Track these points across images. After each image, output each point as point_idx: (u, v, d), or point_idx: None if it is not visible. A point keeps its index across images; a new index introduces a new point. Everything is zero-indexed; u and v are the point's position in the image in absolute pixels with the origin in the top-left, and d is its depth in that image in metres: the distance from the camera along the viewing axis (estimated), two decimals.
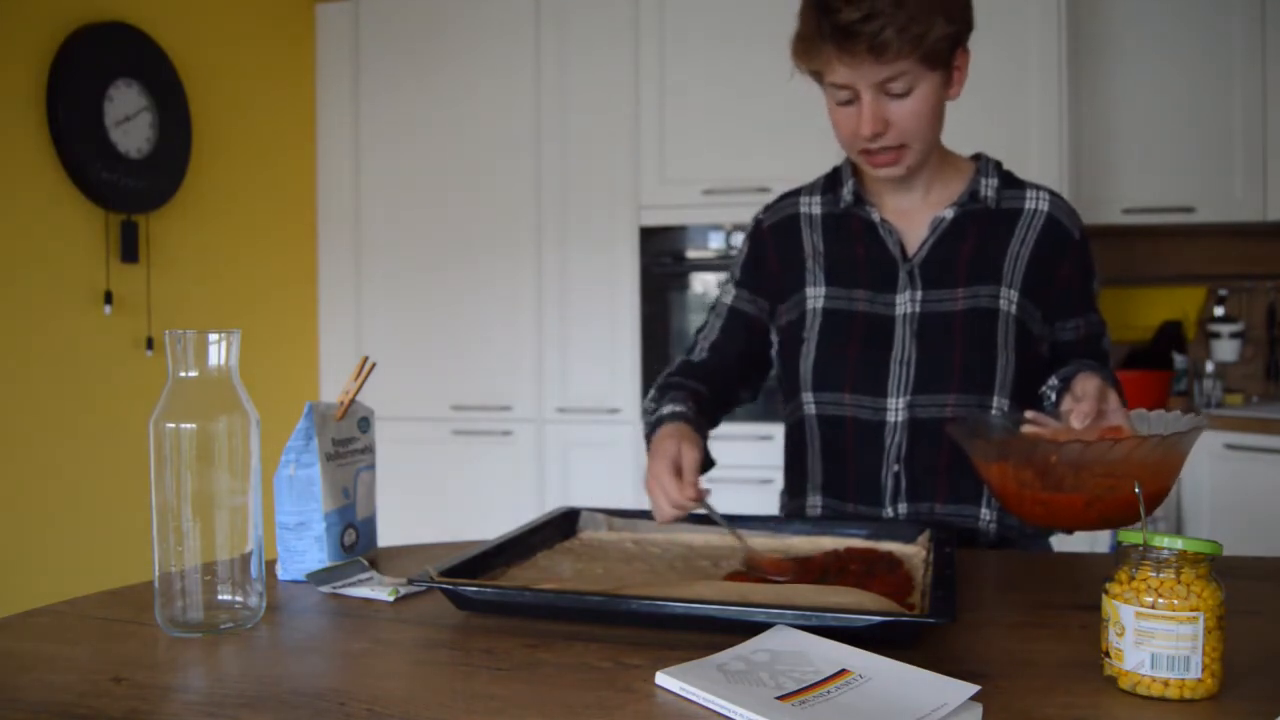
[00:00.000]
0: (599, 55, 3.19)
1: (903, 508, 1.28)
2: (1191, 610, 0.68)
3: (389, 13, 3.36)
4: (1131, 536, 0.72)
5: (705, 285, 3.18)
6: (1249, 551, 1.25)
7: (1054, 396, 1.23)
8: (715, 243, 3.12)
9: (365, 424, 1.15)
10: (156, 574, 0.87)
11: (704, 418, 1.31)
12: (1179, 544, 0.69)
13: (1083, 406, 1.06)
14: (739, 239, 3.06)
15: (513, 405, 3.28)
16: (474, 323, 3.31)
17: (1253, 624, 0.85)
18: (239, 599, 0.89)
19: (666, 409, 1.25)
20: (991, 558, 1.18)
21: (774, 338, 1.40)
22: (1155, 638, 0.69)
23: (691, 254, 3.15)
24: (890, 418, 1.28)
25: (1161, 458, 0.97)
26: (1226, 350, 3.30)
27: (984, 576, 1.06)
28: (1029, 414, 1.11)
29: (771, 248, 1.39)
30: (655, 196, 3.14)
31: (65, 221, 2.48)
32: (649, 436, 1.25)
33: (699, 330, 1.45)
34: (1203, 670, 0.68)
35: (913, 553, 1.08)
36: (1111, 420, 1.06)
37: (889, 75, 1.17)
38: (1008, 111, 2.86)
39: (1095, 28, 3.11)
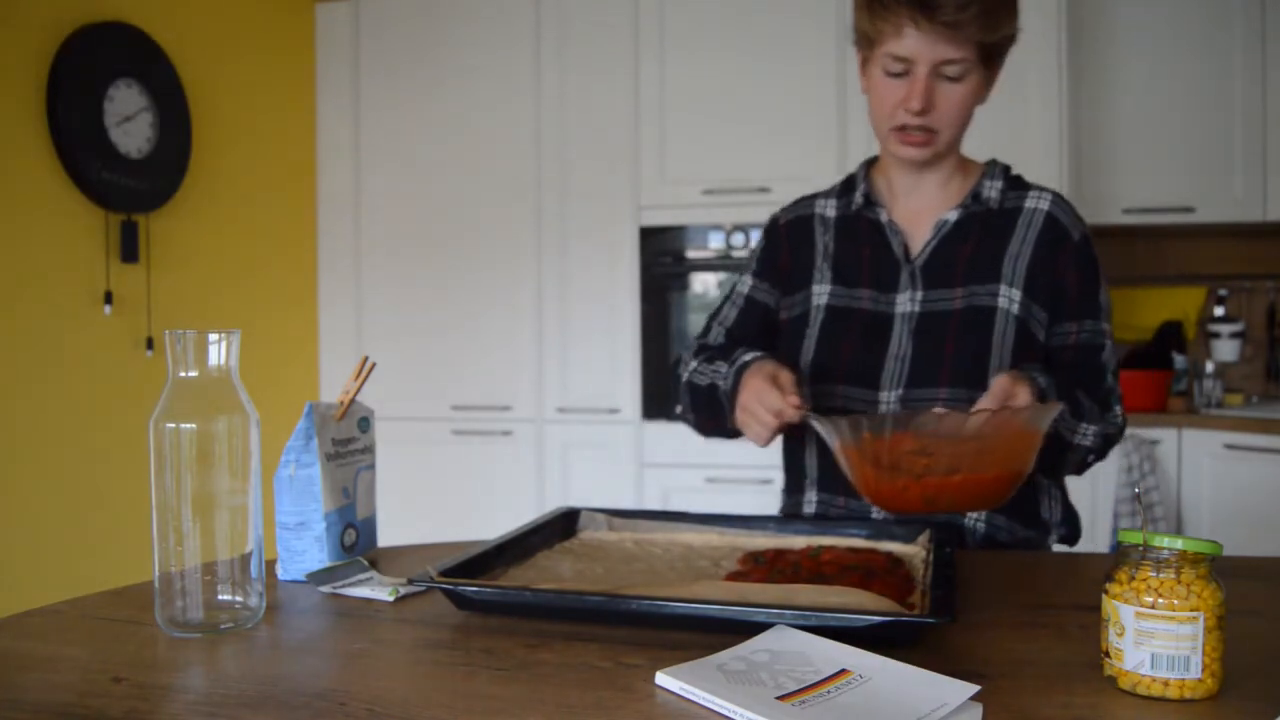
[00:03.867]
0: (599, 55, 3.19)
1: None
2: (1191, 610, 0.68)
3: (389, 13, 3.36)
4: (1132, 536, 0.72)
5: (705, 285, 3.18)
6: (1249, 551, 1.25)
7: None
8: (715, 243, 3.12)
9: (365, 424, 1.15)
10: (156, 574, 0.87)
11: None
12: (1179, 544, 0.69)
13: (982, 403, 1.06)
14: (739, 239, 3.06)
15: (513, 405, 3.28)
16: (474, 323, 3.31)
17: (1253, 624, 0.85)
18: (239, 599, 0.89)
19: (748, 355, 1.25)
20: (992, 558, 1.18)
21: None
22: (1155, 638, 0.69)
23: (691, 254, 3.15)
24: (883, 410, 1.28)
25: (975, 438, 0.94)
26: (1226, 350, 3.30)
27: (984, 576, 1.06)
28: (937, 410, 1.10)
29: (785, 244, 1.42)
30: (655, 196, 3.14)
31: (65, 221, 2.48)
32: (729, 392, 1.25)
33: (712, 317, 1.46)
34: (1203, 670, 0.68)
35: (913, 553, 1.08)
36: None
37: (951, 57, 1.19)
38: (1008, 111, 2.86)
39: (1095, 28, 3.11)
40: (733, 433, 1.31)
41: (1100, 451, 1.28)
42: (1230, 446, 2.79)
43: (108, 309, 2.57)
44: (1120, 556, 0.72)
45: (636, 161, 3.16)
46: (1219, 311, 3.36)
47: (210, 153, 2.95)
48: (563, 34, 3.21)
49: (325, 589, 1.00)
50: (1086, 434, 1.23)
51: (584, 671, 0.76)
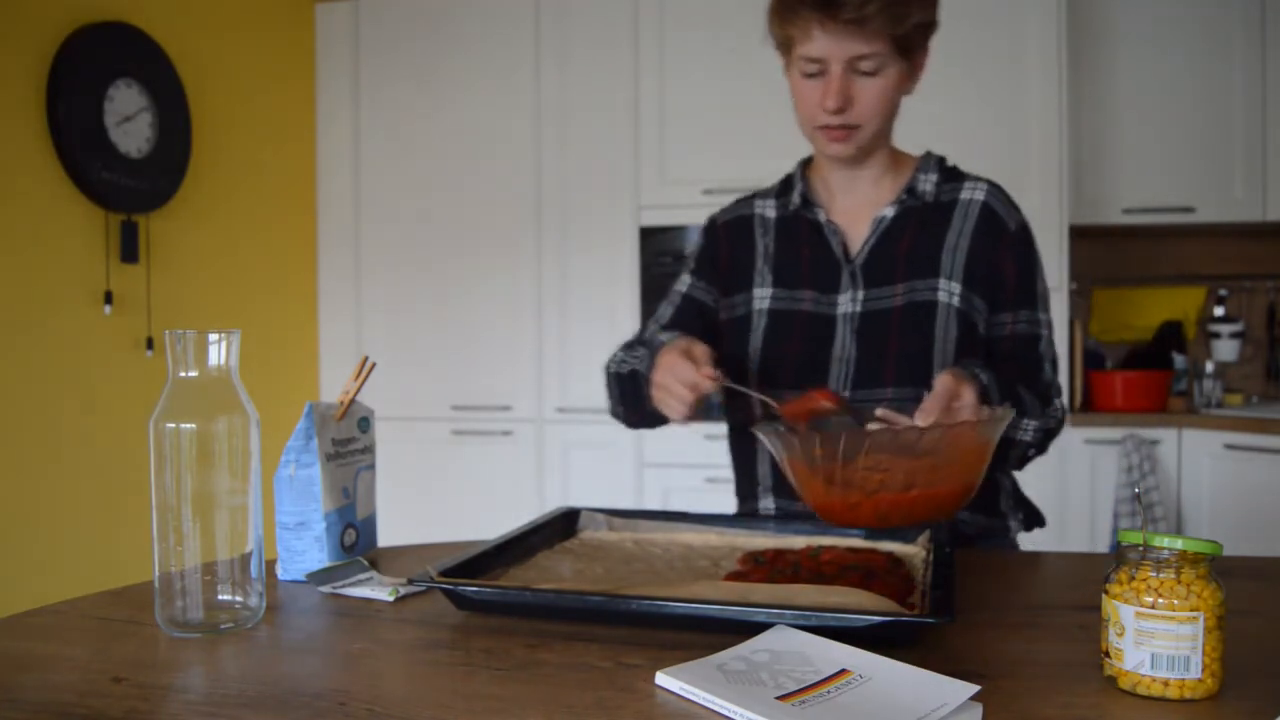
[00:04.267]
0: (599, 54, 3.19)
1: None
2: (1191, 610, 0.68)
3: (389, 13, 3.36)
4: (1132, 536, 0.72)
5: None
6: (1249, 551, 1.25)
7: None
8: None
9: (365, 424, 1.15)
10: (156, 574, 0.87)
11: None
12: (1179, 544, 0.69)
13: (926, 404, 1.02)
14: None
15: (513, 405, 3.28)
16: (474, 323, 3.31)
17: (1253, 624, 0.85)
18: (239, 599, 0.89)
19: (664, 337, 1.24)
20: (991, 558, 1.18)
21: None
22: (1155, 638, 0.69)
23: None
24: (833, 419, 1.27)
25: (930, 452, 0.92)
26: (1226, 350, 3.30)
27: (984, 576, 1.06)
28: (879, 411, 1.08)
29: (724, 245, 1.40)
30: (655, 196, 3.14)
31: (65, 221, 2.48)
32: (646, 374, 1.22)
33: (651, 318, 1.44)
34: (1203, 670, 0.68)
35: (913, 553, 1.08)
36: (960, 419, 1.02)
37: (863, 53, 1.18)
38: (1008, 111, 2.86)
39: (1095, 28, 3.11)
40: (657, 419, 1.27)
41: (1041, 446, 1.27)
42: (1230, 446, 2.79)
43: (108, 309, 2.57)
44: (1120, 556, 0.72)
45: (636, 161, 3.16)
46: (1219, 311, 3.36)
47: (210, 153, 2.95)
48: (563, 34, 3.21)
49: (325, 589, 1.00)
50: (1028, 430, 1.23)
51: (584, 671, 0.76)
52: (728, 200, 1.46)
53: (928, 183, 1.31)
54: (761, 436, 1.07)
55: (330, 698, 0.71)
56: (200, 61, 2.91)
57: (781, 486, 1.33)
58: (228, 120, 3.04)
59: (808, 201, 1.35)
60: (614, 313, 3.19)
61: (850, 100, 1.21)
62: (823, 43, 1.18)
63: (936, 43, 1.27)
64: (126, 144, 2.62)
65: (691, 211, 3.10)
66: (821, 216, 1.33)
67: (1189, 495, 2.87)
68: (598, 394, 3.18)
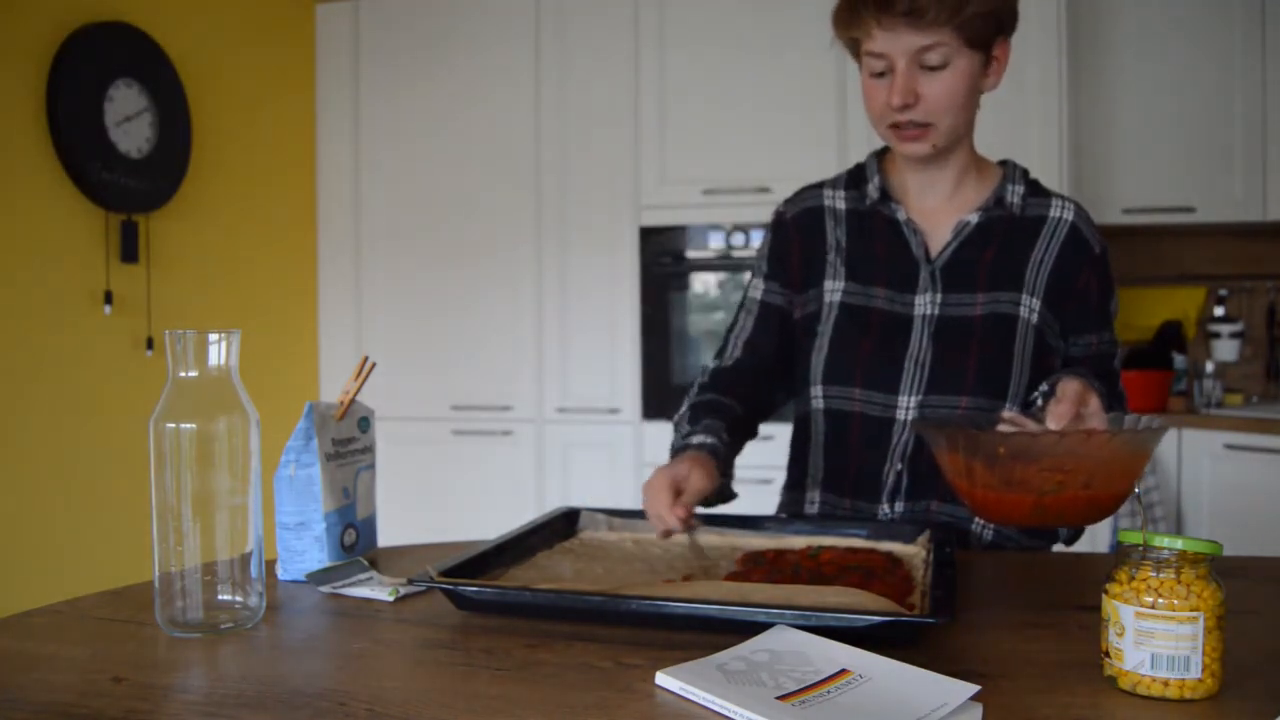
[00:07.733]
0: (599, 55, 3.19)
1: (900, 506, 1.27)
2: (1191, 610, 0.68)
3: (389, 13, 3.36)
4: (1132, 536, 0.72)
5: (705, 285, 3.18)
6: (1249, 551, 1.25)
7: (1041, 401, 1.21)
8: (715, 243, 3.12)
9: (365, 424, 1.15)
10: (156, 574, 0.87)
11: (736, 443, 1.28)
12: (1179, 544, 0.69)
13: (1059, 408, 1.03)
14: (739, 239, 3.06)
15: (513, 405, 3.28)
16: (474, 323, 3.31)
17: (1253, 624, 0.85)
18: (239, 599, 0.89)
19: (695, 439, 1.23)
20: (991, 558, 1.18)
21: None
22: (1155, 638, 0.69)
23: (691, 254, 3.15)
24: (900, 415, 1.27)
25: (1113, 456, 0.94)
26: (1226, 350, 3.30)
27: (984, 576, 1.06)
28: (1006, 414, 1.09)
29: (794, 239, 1.37)
30: (655, 196, 3.14)
31: (65, 221, 2.48)
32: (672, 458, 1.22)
33: (729, 330, 1.41)
34: (1203, 670, 0.68)
35: (912, 553, 1.08)
36: (1090, 423, 1.03)
37: (926, 45, 1.17)
38: (1008, 111, 2.86)
39: (1095, 28, 3.11)
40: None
41: None
42: (1230, 446, 2.79)
43: (108, 309, 2.57)
44: (1120, 556, 0.72)
45: (636, 161, 3.16)
46: (1219, 311, 3.36)
47: (210, 153, 2.95)
48: (563, 35, 3.21)
49: (325, 589, 1.00)
50: None
51: (584, 671, 0.76)
52: (727, 200, 1.45)
53: (1015, 195, 1.30)
54: (926, 435, 1.05)
55: (330, 698, 0.71)
56: (200, 61, 2.91)
57: (830, 480, 1.33)
58: (228, 120, 3.04)
59: (885, 196, 1.33)
60: (614, 313, 3.19)
61: (917, 96, 1.20)
62: (883, 38, 1.18)
63: None
64: (126, 144, 2.62)
65: (691, 211, 3.10)
66: (901, 214, 1.31)
67: (1189, 495, 2.87)
68: (598, 394, 3.21)
